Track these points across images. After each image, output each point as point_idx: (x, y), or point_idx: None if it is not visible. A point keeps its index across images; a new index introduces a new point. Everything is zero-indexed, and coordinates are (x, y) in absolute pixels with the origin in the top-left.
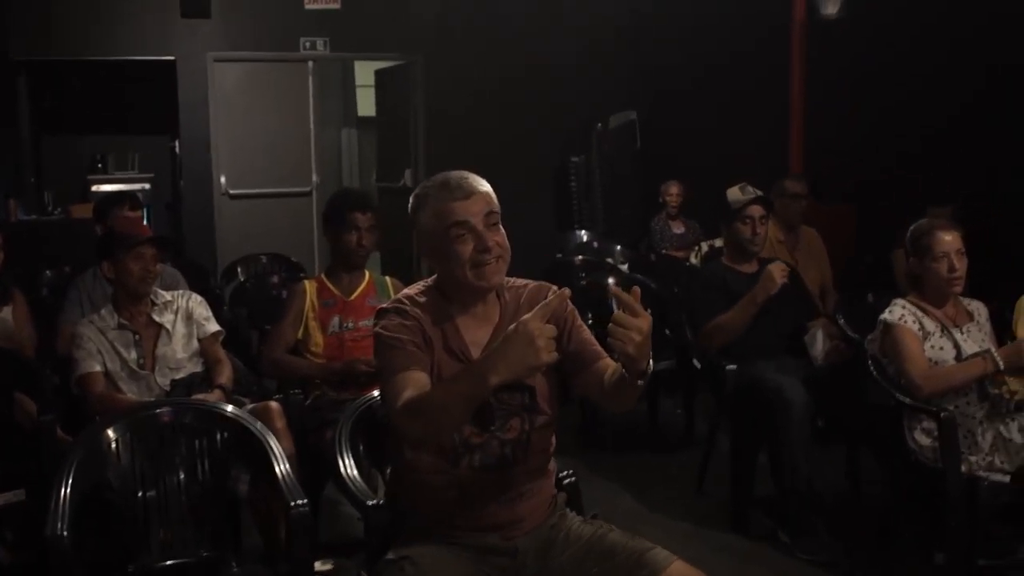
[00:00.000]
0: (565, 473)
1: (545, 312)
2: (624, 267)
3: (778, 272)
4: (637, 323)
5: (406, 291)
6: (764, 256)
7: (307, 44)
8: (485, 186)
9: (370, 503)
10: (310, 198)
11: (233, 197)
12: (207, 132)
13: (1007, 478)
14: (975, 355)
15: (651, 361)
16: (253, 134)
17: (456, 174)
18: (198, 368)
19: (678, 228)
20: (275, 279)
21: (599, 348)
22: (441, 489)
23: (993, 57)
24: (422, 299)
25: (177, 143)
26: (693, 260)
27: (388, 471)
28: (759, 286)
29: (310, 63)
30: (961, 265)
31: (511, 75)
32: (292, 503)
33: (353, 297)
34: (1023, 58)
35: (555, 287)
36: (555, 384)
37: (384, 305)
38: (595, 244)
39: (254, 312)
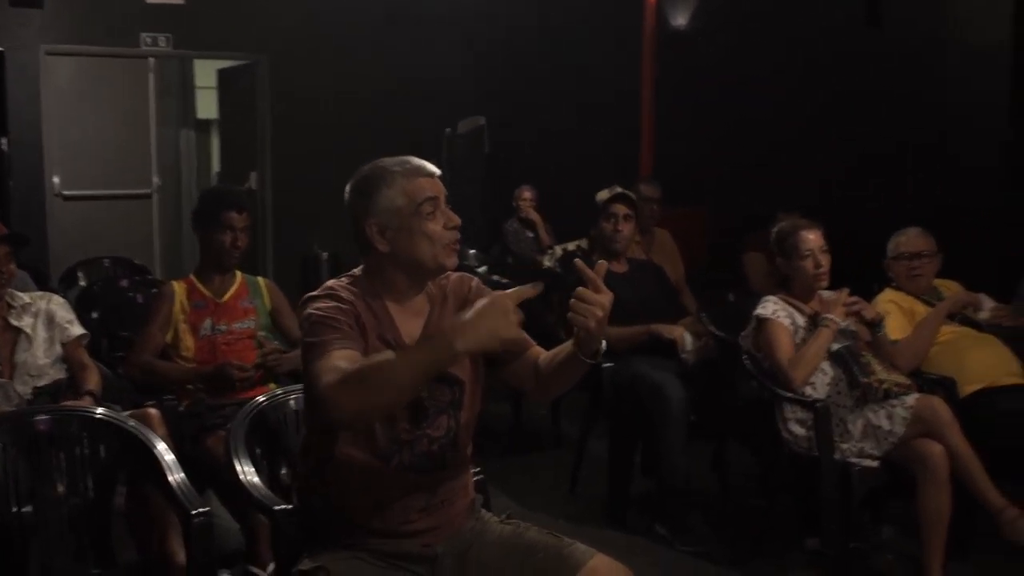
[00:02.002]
0: (475, 472)
1: (520, 296)
2: (481, 270)
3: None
4: (600, 299)
5: (333, 281)
6: (629, 256)
7: (148, 40)
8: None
9: (278, 508)
10: (150, 200)
11: (67, 199)
12: (38, 130)
13: (876, 463)
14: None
15: (604, 341)
16: (89, 133)
17: (406, 157)
18: (62, 375)
19: (530, 232)
20: (124, 283)
21: (527, 336)
22: (365, 491)
23: (833, 69)
24: (353, 288)
25: (5, 141)
26: (548, 263)
27: (300, 475)
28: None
29: (151, 60)
30: (825, 262)
31: (359, 78)
32: (193, 512)
33: (225, 299)
34: (860, 72)
35: (476, 279)
36: (482, 381)
37: (311, 293)
38: None
39: (105, 317)
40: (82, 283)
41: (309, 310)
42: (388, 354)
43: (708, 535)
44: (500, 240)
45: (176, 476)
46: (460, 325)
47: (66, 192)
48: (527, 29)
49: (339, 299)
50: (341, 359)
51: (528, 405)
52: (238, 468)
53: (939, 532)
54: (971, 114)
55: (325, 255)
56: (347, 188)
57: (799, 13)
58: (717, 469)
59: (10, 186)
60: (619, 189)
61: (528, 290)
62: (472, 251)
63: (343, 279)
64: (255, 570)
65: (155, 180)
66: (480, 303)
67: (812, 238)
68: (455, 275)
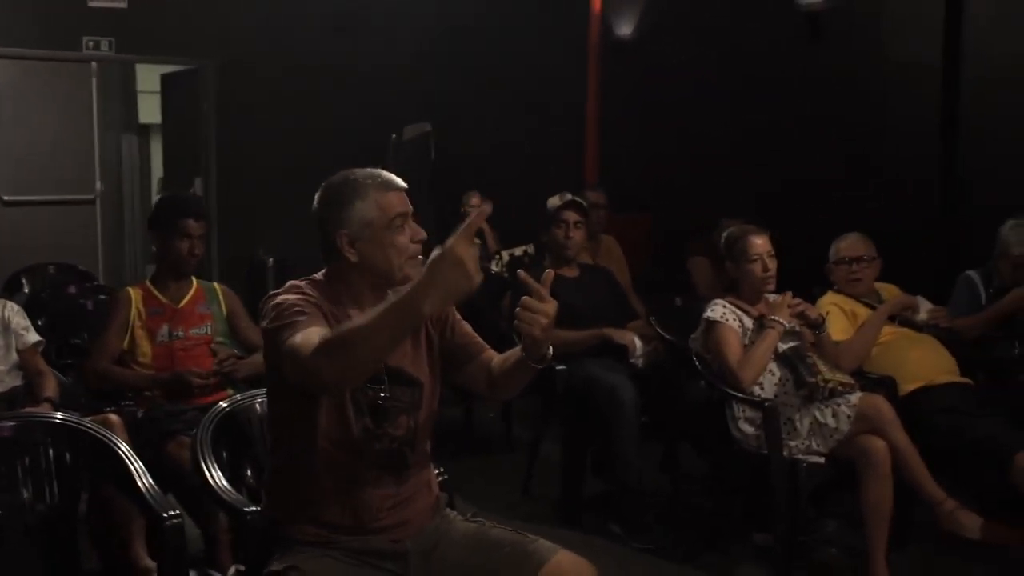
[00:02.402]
0: (438, 472)
1: (469, 233)
2: None
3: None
4: (544, 307)
5: (296, 281)
6: (579, 261)
7: (91, 44)
8: None
9: (248, 510)
10: (93, 206)
11: (7, 204)
12: None
13: (822, 459)
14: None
15: (550, 346)
16: (31, 138)
17: (375, 170)
18: (18, 382)
19: (477, 239)
20: (72, 289)
21: (481, 340)
22: (336, 485)
23: (775, 80)
24: (316, 291)
25: None
26: (495, 268)
27: (270, 473)
28: None
29: (94, 64)
30: (772, 266)
31: (305, 84)
32: (164, 515)
33: (182, 305)
34: (801, 84)
35: None
36: (440, 382)
37: (274, 291)
38: None
39: (54, 324)
40: (26, 289)
41: (276, 300)
42: (361, 317)
43: (661, 533)
44: None
45: (145, 481)
46: (421, 287)
47: (6, 197)
48: (474, 36)
49: (304, 293)
50: (317, 333)
51: (480, 409)
52: (206, 472)
53: (882, 524)
54: (906, 127)
55: (271, 261)
56: (316, 197)
57: (743, 24)
58: (667, 469)
59: None
60: (569, 196)
61: (476, 220)
62: (420, 257)
63: (304, 281)
64: (215, 574)
65: (98, 185)
66: (433, 256)
67: (760, 243)
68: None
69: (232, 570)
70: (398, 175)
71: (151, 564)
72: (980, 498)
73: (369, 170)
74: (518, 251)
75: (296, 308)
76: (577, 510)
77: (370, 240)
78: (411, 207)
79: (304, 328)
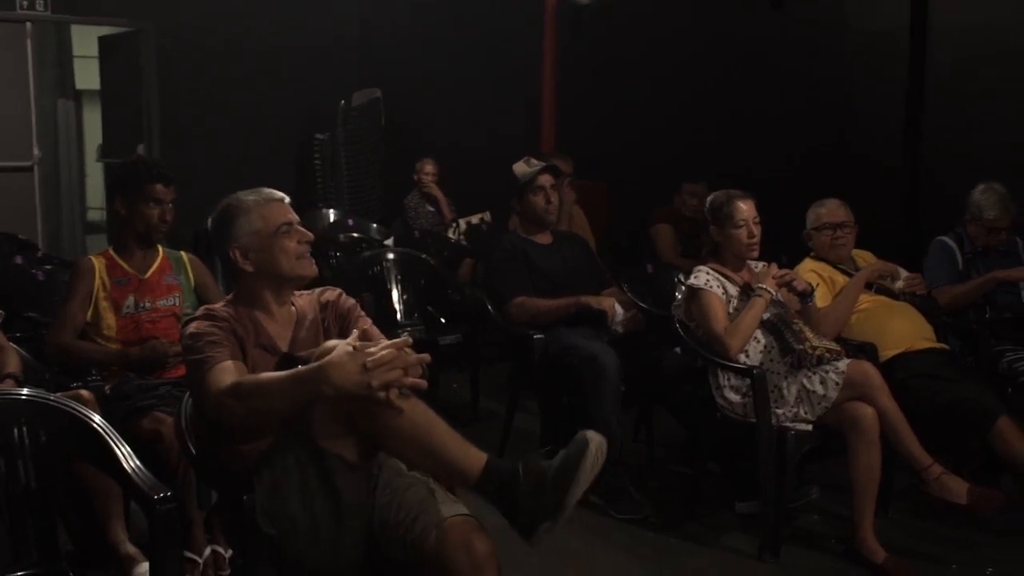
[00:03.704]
0: None
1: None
2: (388, 242)
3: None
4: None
5: (208, 306)
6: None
7: (25, 3)
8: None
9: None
10: (31, 173)
11: None
12: None
13: (810, 427)
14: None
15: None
16: None
17: (256, 188)
18: None
19: (431, 206)
20: (19, 260)
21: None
22: None
23: (736, 42)
24: (228, 308)
25: None
26: (452, 236)
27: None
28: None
29: (28, 25)
30: (757, 231)
31: (250, 47)
32: (156, 497)
33: (148, 275)
34: (762, 44)
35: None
36: None
37: (189, 317)
38: (349, 222)
39: (5, 297)
40: None
41: (188, 330)
42: (270, 377)
43: (643, 502)
44: (402, 215)
45: (132, 463)
46: (327, 371)
47: None
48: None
49: (214, 317)
50: (228, 371)
51: (444, 380)
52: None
53: (871, 490)
54: (872, 94)
55: None
56: (208, 221)
57: None
58: (640, 437)
59: None
60: (534, 160)
61: (400, 344)
62: (374, 225)
63: (218, 303)
64: (191, 555)
65: (36, 152)
66: (341, 350)
67: (745, 208)
68: (336, 291)
69: (208, 550)
70: (348, 142)
71: (133, 550)
72: (959, 463)
73: (251, 190)
74: (474, 219)
75: (208, 339)
76: None
77: (260, 249)
78: (295, 215)
79: (217, 363)
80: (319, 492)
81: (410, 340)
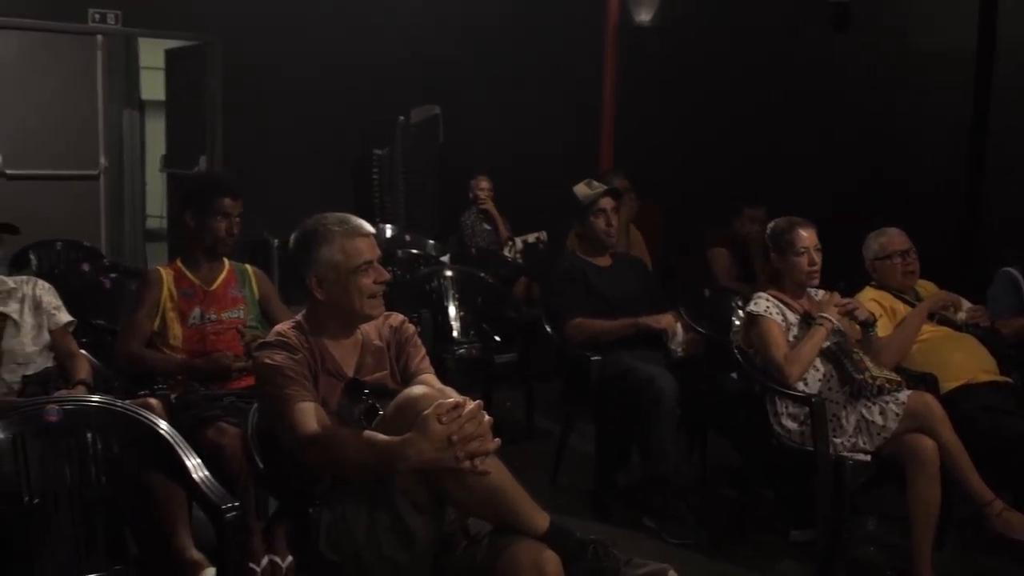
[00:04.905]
0: None
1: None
2: (445, 258)
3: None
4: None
5: (279, 327)
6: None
7: (96, 16)
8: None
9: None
10: (97, 182)
11: (10, 178)
12: None
13: (868, 457)
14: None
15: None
16: (34, 111)
17: (345, 216)
18: (49, 363)
19: (487, 224)
20: (86, 267)
21: (425, 366)
22: None
23: (796, 65)
24: (297, 332)
25: None
26: (508, 255)
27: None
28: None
29: (99, 37)
30: (819, 259)
31: (312, 63)
32: (223, 507)
33: (214, 287)
34: (825, 72)
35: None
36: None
37: (266, 339)
38: (407, 238)
39: (69, 304)
40: (34, 266)
41: (264, 359)
42: (347, 439)
43: (697, 526)
44: (457, 232)
45: (201, 473)
46: (406, 450)
47: (9, 171)
48: (486, 18)
49: (288, 347)
50: (307, 413)
51: (497, 398)
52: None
53: (929, 523)
54: (934, 118)
55: (276, 242)
56: (291, 238)
57: (764, 11)
58: (692, 459)
59: None
60: (595, 182)
61: (476, 409)
62: (431, 242)
63: (288, 323)
64: (251, 565)
65: (102, 161)
66: (417, 429)
67: (807, 236)
68: (399, 317)
69: (266, 560)
70: (405, 158)
71: (198, 556)
72: (1021, 497)
73: (339, 215)
74: (531, 238)
75: (287, 373)
76: (608, 502)
77: (335, 282)
78: (378, 251)
79: (296, 403)
80: (387, 531)
81: (482, 403)
